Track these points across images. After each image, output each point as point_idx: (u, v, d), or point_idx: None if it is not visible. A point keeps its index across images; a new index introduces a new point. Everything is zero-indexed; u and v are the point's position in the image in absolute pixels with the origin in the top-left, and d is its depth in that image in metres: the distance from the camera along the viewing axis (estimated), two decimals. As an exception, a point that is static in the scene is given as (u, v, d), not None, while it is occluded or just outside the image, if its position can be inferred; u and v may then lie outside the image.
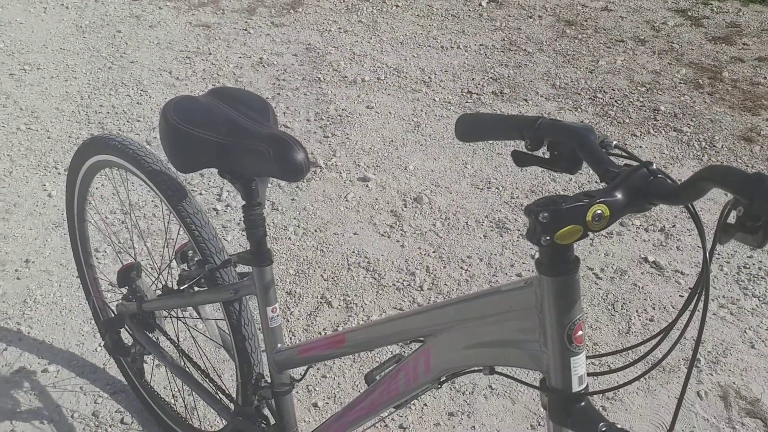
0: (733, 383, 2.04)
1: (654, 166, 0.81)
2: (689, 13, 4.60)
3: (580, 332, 0.85)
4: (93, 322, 2.14)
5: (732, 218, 0.70)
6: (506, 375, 1.00)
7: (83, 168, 1.69)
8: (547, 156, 0.94)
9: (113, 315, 1.80)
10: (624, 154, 0.88)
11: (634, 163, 0.83)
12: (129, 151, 1.50)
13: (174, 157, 1.24)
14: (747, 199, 0.66)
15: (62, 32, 4.14)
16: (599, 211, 0.78)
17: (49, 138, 3.15)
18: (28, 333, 2.17)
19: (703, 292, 0.80)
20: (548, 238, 0.79)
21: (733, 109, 3.51)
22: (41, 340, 2.15)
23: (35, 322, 2.21)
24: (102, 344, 2.10)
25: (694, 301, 0.82)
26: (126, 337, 1.79)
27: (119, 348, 1.77)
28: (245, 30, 4.22)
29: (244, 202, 1.27)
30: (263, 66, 3.82)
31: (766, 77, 3.83)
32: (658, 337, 0.87)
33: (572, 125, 0.90)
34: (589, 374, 0.91)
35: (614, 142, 0.89)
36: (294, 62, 3.87)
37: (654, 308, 2.30)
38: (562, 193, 2.86)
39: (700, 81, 3.77)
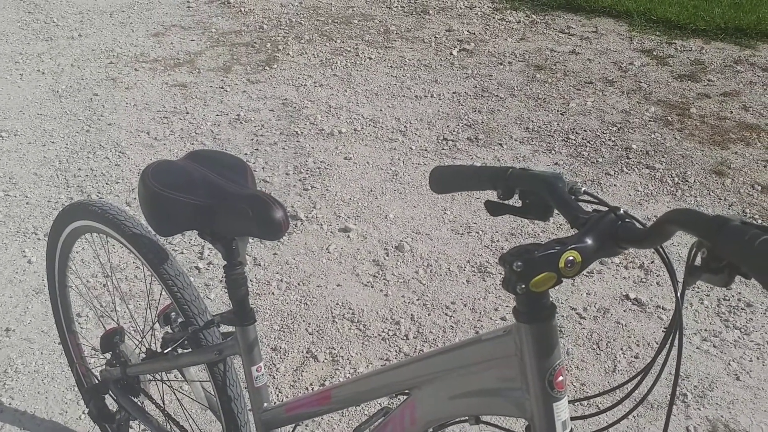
0: (722, 417, 2.05)
1: (622, 211, 0.84)
2: (654, 53, 4.74)
3: (561, 377, 0.87)
4: (76, 389, 2.11)
5: (698, 260, 0.72)
6: (492, 424, 1.01)
7: (63, 234, 1.69)
8: (519, 204, 0.97)
9: (97, 381, 1.78)
10: (593, 199, 0.91)
11: (603, 209, 0.86)
12: (109, 216, 1.51)
13: (154, 221, 1.26)
14: (710, 242, 0.69)
15: (39, 98, 4.17)
16: (571, 258, 0.80)
17: (27, 204, 3.14)
18: (9, 404, 2.13)
19: (678, 331, 0.82)
20: (523, 286, 0.81)
21: (702, 144, 3.60)
22: (23, 411, 2.11)
23: (17, 392, 2.18)
24: (86, 411, 2.07)
25: (670, 339, 0.83)
26: (110, 403, 1.76)
27: (104, 415, 1.75)
28: (221, 88, 4.28)
29: (225, 262, 1.28)
30: (241, 122, 3.86)
31: (732, 112, 3.93)
32: (639, 377, 0.89)
33: (541, 174, 0.93)
34: (575, 418, 0.92)
35: (583, 188, 0.92)
36: (271, 117, 3.92)
37: (638, 345, 2.32)
38: (540, 234, 2.89)
39: (669, 118, 3.86)
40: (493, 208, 0.98)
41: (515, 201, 0.96)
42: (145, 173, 1.26)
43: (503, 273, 0.83)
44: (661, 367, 0.86)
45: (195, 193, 1.22)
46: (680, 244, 2.75)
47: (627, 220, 0.83)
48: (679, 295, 0.79)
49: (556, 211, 0.93)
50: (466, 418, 0.99)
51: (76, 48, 4.87)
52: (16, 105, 4.08)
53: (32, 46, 4.90)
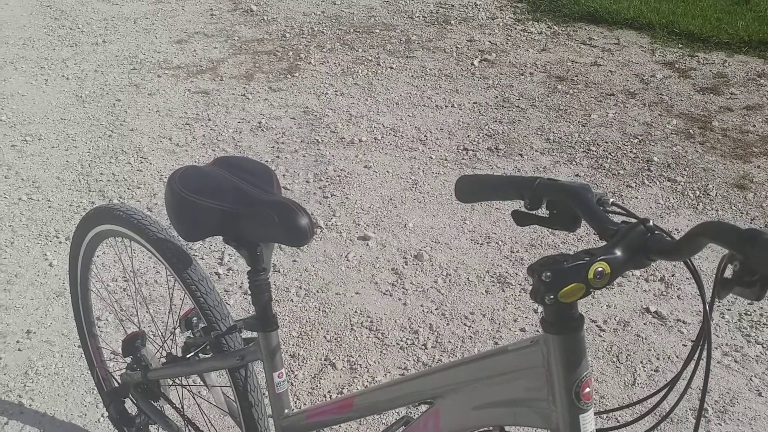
0: (744, 433, 2.03)
1: (651, 223, 0.83)
2: (676, 66, 4.71)
3: (588, 389, 0.86)
4: (96, 392, 2.13)
5: (729, 272, 0.71)
6: (516, 435, 1.00)
7: (87, 237, 1.71)
8: (546, 215, 0.97)
9: (117, 385, 1.79)
10: (621, 211, 0.90)
11: (632, 220, 0.85)
12: (133, 220, 1.52)
13: (180, 226, 1.27)
14: (742, 255, 0.68)
15: (63, 103, 4.22)
16: (600, 269, 0.80)
17: (50, 207, 3.18)
18: (30, 405, 2.15)
19: (706, 345, 0.81)
20: (552, 296, 0.80)
21: (724, 157, 3.57)
22: (43, 413, 2.13)
23: (37, 393, 2.20)
24: (105, 415, 2.09)
25: (698, 353, 0.83)
26: (130, 406, 1.77)
27: (123, 418, 1.76)
28: (243, 95, 4.31)
29: (249, 268, 1.29)
30: (262, 130, 3.88)
31: (755, 125, 3.90)
32: (665, 390, 0.88)
33: (569, 184, 0.93)
34: (600, 430, 0.91)
35: (611, 200, 0.92)
36: (292, 125, 3.94)
37: (658, 358, 2.30)
38: (560, 245, 2.88)
39: (690, 131, 3.83)
40: (520, 218, 0.98)
41: (542, 211, 0.96)
42: (172, 178, 1.27)
43: (531, 283, 0.83)
44: (688, 381, 0.85)
45: (221, 199, 1.23)
46: (707, 258, 2.72)
47: (656, 232, 0.82)
48: (708, 308, 0.78)
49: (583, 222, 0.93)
50: (490, 428, 0.98)
51: (100, 54, 4.93)
52: (40, 110, 4.13)
53: (57, 51, 4.97)
